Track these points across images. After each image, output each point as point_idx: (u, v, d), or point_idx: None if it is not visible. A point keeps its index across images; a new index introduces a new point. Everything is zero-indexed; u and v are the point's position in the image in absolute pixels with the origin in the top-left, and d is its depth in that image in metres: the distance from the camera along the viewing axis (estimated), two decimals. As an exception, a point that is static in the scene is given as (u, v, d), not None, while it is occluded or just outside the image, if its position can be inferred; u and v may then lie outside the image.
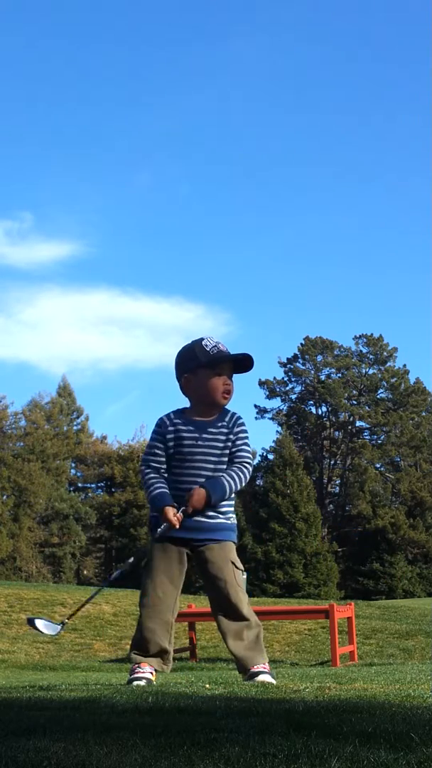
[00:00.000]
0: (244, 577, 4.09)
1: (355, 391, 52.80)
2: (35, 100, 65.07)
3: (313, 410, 53.37)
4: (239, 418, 4.02)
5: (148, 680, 3.82)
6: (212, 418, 3.98)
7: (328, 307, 68.76)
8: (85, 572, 45.71)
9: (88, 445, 47.88)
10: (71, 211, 68.20)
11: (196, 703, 2.51)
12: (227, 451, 3.94)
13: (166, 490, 3.87)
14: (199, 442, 3.92)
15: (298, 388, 53.55)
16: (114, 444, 48.56)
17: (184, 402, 4.06)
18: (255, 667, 3.82)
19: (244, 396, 52.22)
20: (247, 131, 69.18)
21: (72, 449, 46.36)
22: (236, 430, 3.97)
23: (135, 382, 70.84)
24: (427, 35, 58.29)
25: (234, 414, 4.02)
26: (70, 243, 75.22)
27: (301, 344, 52.87)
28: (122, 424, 79.25)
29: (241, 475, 3.92)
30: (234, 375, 4.05)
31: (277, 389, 53.67)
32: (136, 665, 3.89)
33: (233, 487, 3.88)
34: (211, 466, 3.90)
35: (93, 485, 48.31)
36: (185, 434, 3.93)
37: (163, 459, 3.94)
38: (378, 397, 52.73)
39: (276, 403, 53.99)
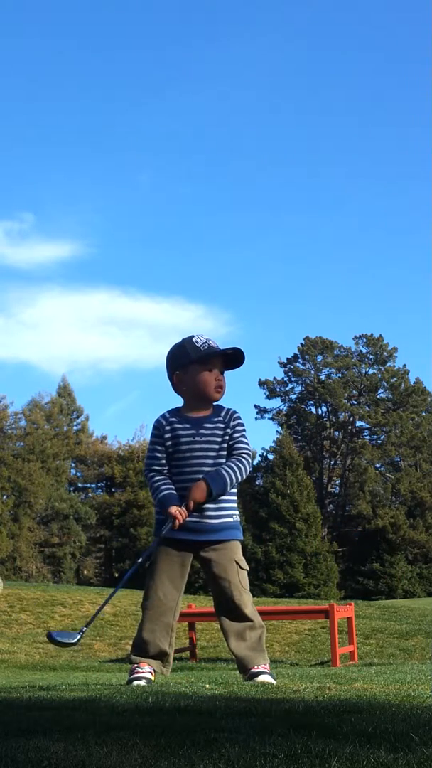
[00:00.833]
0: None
1: (355, 391, 52.80)
2: (35, 100, 65.08)
3: (313, 410, 53.38)
4: (235, 412, 4.04)
5: (148, 680, 3.82)
6: (208, 414, 3.99)
7: (328, 307, 68.80)
8: (85, 572, 45.71)
9: (88, 445, 47.87)
10: (72, 212, 68.22)
11: (196, 703, 2.51)
12: (225, 445, 3.95)
13: (173, 491, 3.87)
14: (197, 438, 3.93)
15: (298, 388, 53.58)
16: (114, 444, 48.60)
17: (182, 401, 4.08)
18: (255, 667, 3.82)
19: (244, 396, 52.26)
20: (247, 131, 69.21)
21: (72, 449, 46.36)
22: (233, 423, 3.99)
23: (135, 382, 70.87)
24: (427, 35, 58.29)
25: (230, 409, 4.04)
26: (70, 243, 75.25)
27: (301, 344, 52.88)
28: (122, 424, 79.25)
29: (241, 467, 3.92)
30: (228, 371, 4.07)
31: (277, 389, 53.69)
32: (136, 665, 3.89)
33: (234, 478, 3.88)
34: (211, 461, 3.91)
35: (93, 485, 48.32)
36: (182, 432, 3.94)
37: (165, 460, 3.95)
38: (378, 397, 52.72)
39: (276, 403, 54.04)
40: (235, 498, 4.01)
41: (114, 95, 67.13)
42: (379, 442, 52.21)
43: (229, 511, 3.94)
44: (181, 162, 69.10)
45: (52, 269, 66.35)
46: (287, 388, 53.76)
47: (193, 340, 4.02)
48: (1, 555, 39.16)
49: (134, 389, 72.24)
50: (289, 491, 41.19)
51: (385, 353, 53.09)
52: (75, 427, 48.27)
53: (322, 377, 52.29)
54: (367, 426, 52.80)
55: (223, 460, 3.93)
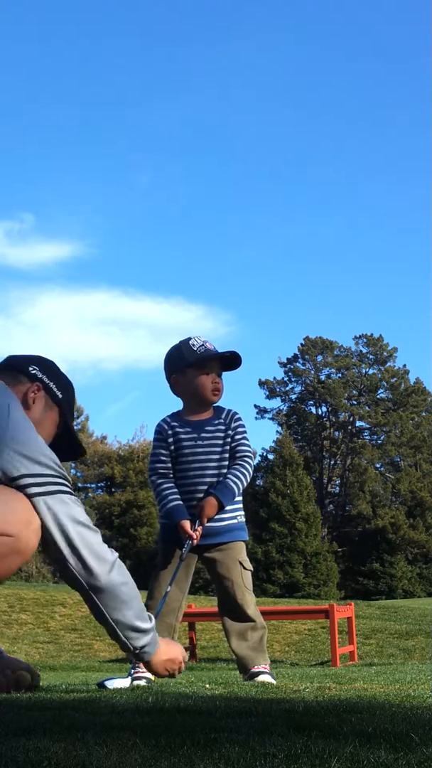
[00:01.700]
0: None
1: (355, 391, 52.82)
2: (35, 100, 65.12)
3: (313, 410, 53.41)
4: (236, 413, 4.05)
5: (148, 680, 3.82)
6: (208, 417, 4.00)
7: (328, 307, 68.86)
8: (85, 572, 45.71)
9: (88, 445, 47.81)
10: (72, 212, 68.27)
11: (196, 703, 2.51)
12: (228, 448, 3.96)
13: (181, 502, 3.88)
14: (199, 442, 3.94)
15: (298, 388, 53.62)
16: (114, 444, 48.61)
17: (181, 404, 4.08)
18: (255, 667, 3.82)
19: (244, 396, 52.30)
20: (248, 131, 69.23)
21: (72, 449, 46.33)
22: (234, 425, 3.99)
23: (135, 382, 70.91)
24: (427, 35, 58.31)
25: (230, 411, 4.05)
26: (70, 243, 75.27)
27: (301, 344, 52.90)
28: (122, 424, 79.35)
29: (245, 472, 3.95)
30: (224, 373, 4.07)
31: (277, 389, 53.71)
32: (136, 665, 3.89)
33: (240, 486, 3.92)
34: (214, 464, 3.92)
35: (93, 485, 48.33)
36: (183, 435, 3.95)
37: (169, 464, 3.97)
38: (378, 397, 52.75)
39: (276, 403, 54.08)
40: (240, 498, 4.03)
41: (114, 95, 67.22)
42: (379, 442, 52.24)
43: (234, 513, 3.96)
44: (181, 162, 69.18)
45: (52, 269, 66.45)
46: (287, 388, 53.82)
47: (190, 342, 4.02)
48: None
49: (134, 389, 72.32)
50: (289, 491, 41.20)
51: (385, 353, 53.11)
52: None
53: (322, 377, 52.32)
54: (367, 426, 52.82)
55: (226, 463, 3.94)
